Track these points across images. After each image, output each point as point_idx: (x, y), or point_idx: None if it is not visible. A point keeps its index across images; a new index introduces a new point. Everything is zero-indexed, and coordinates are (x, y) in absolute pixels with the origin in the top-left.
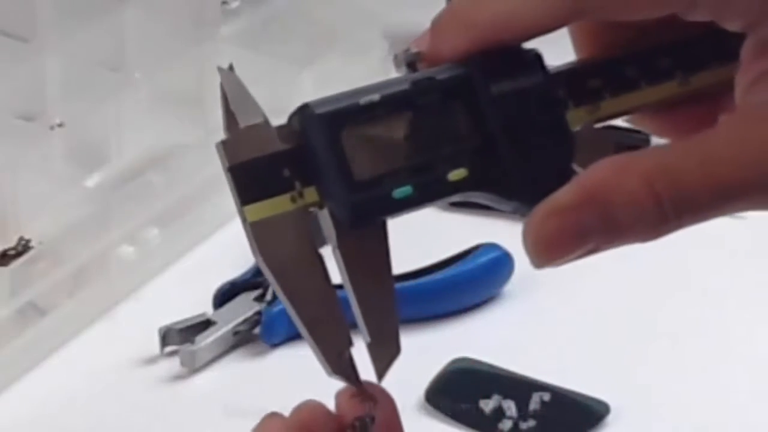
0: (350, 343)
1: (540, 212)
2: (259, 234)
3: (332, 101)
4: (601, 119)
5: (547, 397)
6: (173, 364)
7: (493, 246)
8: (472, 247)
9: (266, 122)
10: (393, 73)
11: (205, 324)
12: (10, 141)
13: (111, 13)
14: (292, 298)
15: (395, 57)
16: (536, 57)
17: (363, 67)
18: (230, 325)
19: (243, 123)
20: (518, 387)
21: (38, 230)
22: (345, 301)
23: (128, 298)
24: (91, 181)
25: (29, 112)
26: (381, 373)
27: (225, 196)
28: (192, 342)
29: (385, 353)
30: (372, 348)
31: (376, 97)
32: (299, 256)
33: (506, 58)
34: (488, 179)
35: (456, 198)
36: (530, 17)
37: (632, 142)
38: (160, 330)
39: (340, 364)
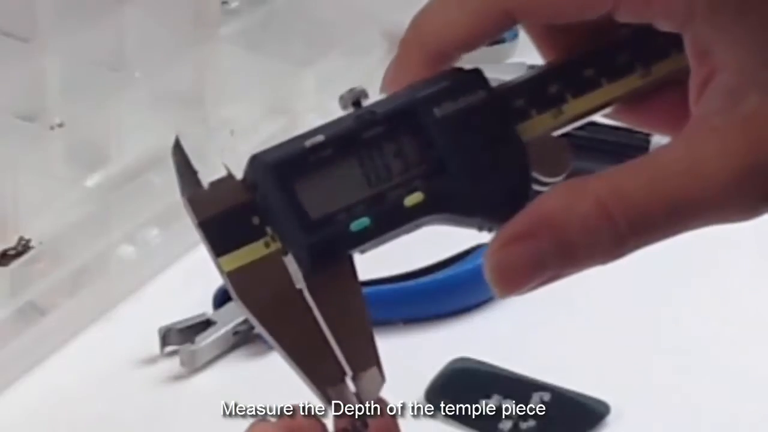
0: (344, 372)
1: (496, 242)
2: (237, 281)
3: (280, 148)
4: (569, 121)
5: (547, 397)
6: (173, 364)
7: None
8: (472, 247)
9: (230, 175)
10: None
11: (205, 324)
12: (10, 141)
13: (111, 13)
14: (278, 338)
15: (341, 98)
16: (477, 74)
17: (363, 67)
18: (230, 325)
19: (203, 182)
20: (518, 387)
21: (38, 230)
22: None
23: (128, 298)
24: (91, 181)
25: (29, 112)
26: (370, 399)
27: None
28: (192, 342)
29: (370, 385)
30: (357, 381)
31: (320, 138)
32: (280, 296)
33: (447, 80)
34: (445, 200)
35: (416, 225)
36: (468, 28)
37: (633, 141)
38: (160, 330)
39: (336, 393)
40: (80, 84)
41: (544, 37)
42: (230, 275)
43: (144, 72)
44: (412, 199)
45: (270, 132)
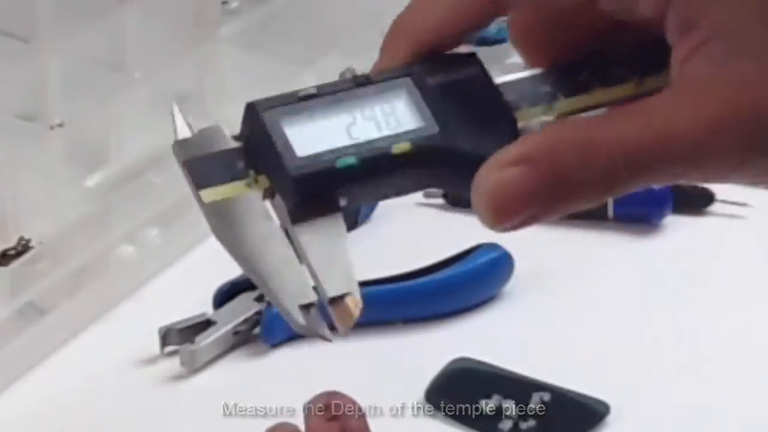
0: (316, 297)
1: (490, 164)
2: (213, 213)
3: (274, 98)
4: (558, 117)
5: (547, 397)
6: (173, 364)
7: (493, 246)
8: (472, 247)
9: (218, 127)
10: None
11: (205, 324)
12: (10, 141)
13: (111, 13)
14: (251, 263)
15: (340, 75)
16: (472, 55)
17: (363, 67)
18: (230, 325)
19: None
20: (518, 387)
21: (38, 230)
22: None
23: (128, 298)
24: (91, 181)
25: (29, 112)
26: (345, 329)
27: None
28: (192, 342)
29: (347, 307)
30: (333, 303)
31: (313, 89)
32: (259, 231)
33: (443, 58)
34: (434, 153)
35: (403, 181)
36: (453, 17)
37: None
38: (160, 330)
39: (307, 317)
40: (80, 84)
41: (528, 39)
42: (209, 206)
43: (144, 72)
44: (400, 147)
45: None
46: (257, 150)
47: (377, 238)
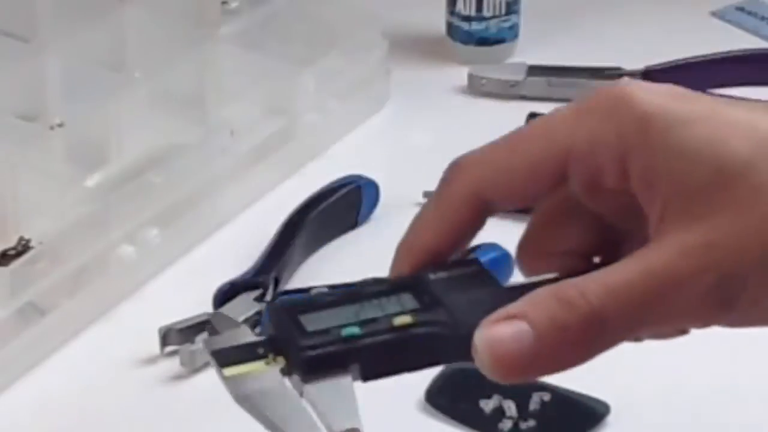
0: None
1: (485, 322)
2: (233, 385)
3: (290, 298)
4: None
5: (547, 397)
6: (173, 364)
7: (493, 246)
8: (472, 247)
9: (245, 326)
10: (392, 74)
11: (205, 324)
12: (10, 141)
13: (111, 13)
14: (267, 418)
15: None
16: (475, 261)
17: (363, 67)
18: None
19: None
20: (518, 387)
21: (38, 230)
22: None
23: (128, 298)
24: (91, 181)
25: (29, 112)
26: None
27: (225, 196)
28: (192, 342)
29: None
30: None
31: (325, 288)
32: (274, 391)
33: (446, 264)
34: (432, 321)
35: (406, 350)
36: (448, 235)
37: None
38: (160, 330)
39: None
40: (80, 84)
41: (527, 254)
42: (228, 379)
43: (144, 72)
44: (401, 319)
45: (270, 132)
46: (277, 340)
47: (377, 238)
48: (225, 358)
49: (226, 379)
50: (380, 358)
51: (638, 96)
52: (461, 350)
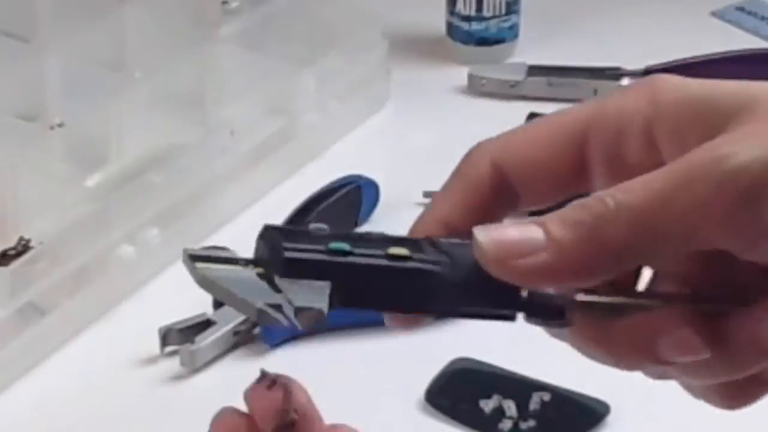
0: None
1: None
2: (201, 270)
3: (287, 229)
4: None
5: (547, 397)
6: (173, 364)
7: None
8: None
9: (228, 249)
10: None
11: (205, 324)
12: (10, 141)
13: (111, 13)
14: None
15: None
16: None
17: (363, 67)
18: (230, 325)
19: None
20: (518, 387)
21: (38, 230)
22: None
23: (128, 298)
24: (91, 181)
25: (29, 112)
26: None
27: (225, 196)
28: (192, 342)
29: (311, 316)
30: (299, 312)
31: (324, 225)
32: (245, 279)
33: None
34: (429, 260)
35: (398, 281)
36: (463, 211)
37: None
38: (160, 330)
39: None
40: (80, 84)
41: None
42: (197, 269)
43: (144, 72)
44: (397, 250)
45: (270, 132)
46: (261, 260)
47: None
48: (201, 258)
49: (195, 270)
50: (363, 282)
51: (669, 76)
52: (456, 294)
